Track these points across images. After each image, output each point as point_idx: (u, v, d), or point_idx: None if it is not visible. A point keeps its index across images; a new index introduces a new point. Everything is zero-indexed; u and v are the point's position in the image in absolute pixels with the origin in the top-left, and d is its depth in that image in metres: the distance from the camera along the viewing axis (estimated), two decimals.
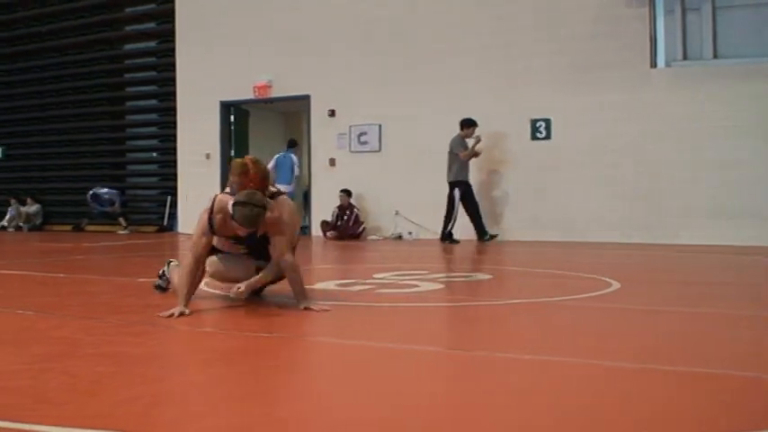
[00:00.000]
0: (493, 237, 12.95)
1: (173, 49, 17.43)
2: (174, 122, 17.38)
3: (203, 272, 5.07)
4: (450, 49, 14.06)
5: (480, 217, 13.01)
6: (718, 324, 4.56)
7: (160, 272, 5.69)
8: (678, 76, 12.53)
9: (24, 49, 20.14)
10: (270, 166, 14.32)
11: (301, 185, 17.11)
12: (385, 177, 14.76)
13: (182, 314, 4.54)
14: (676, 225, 12.21)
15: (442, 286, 6.31)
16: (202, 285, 5.50)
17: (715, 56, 12.32)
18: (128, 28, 19.14)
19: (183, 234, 15.89)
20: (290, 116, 19.79)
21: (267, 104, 17.48)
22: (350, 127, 15.19)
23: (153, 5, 18.34)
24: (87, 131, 19.22)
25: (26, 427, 2.38)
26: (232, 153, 16.62)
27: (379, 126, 14.89)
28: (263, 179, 5.10)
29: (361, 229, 14.53)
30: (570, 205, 12.94)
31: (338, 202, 14.71)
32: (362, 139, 15.10)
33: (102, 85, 19.10)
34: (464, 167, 13.00)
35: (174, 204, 17.37)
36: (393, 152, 14.72)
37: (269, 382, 3.14)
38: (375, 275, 7.20)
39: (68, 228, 18.70)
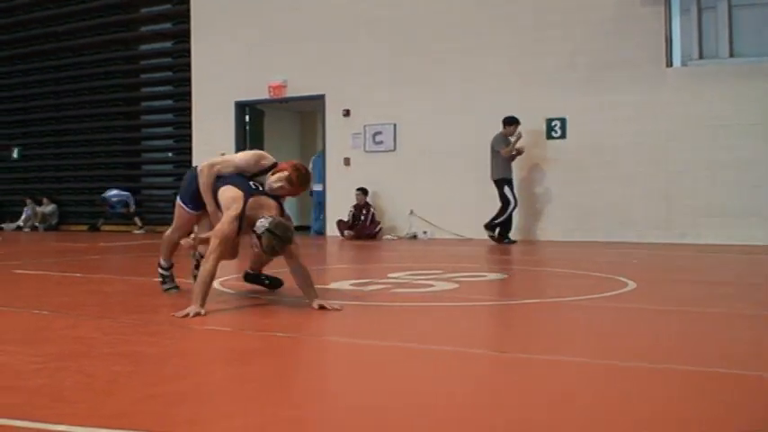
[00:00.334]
0: (513, 242, 12.63)
1: (188, 50, 17.47)
2: (190, 123, 17.41)
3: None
4: (466, 49, 14.03)
5: (510, 218, 12.74)
6: (732, 324, 4.53)
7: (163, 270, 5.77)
8: (694, 75, 12.46)
9: (41, 48, 20.21)
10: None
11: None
12: (400, 177, 14.75)
13: (197, 314, 4.55)
14: (692, 224, 12.15)
15: (456, 286, 6.30)
16: (216, 284, 5.51)
17: (731, 54, 12.25)
18: (143, 28, 19.19)
19: (197, 234, 15.87)
20: (305, 116, 19.80)
21: (282, 104, 17.48)
22: (365, 126, 15.19)
23: (168, 6, 18.38)
24: (103, 131, 19.29)
25: (43, 426, 2.39)
26: None
27: (394, 126, 14.88)
28: (304, 188, 5.43)
29: (377, 228, 14.52)
30: (585, 204, 12.88)
31: (353, 202, 14.70)
32: (377, 138, 15.09)
33: (118, 86, 19.16)
34: (507, 165, 12.76)
35: None
36: (408, 152, 14.70)
37: (285, 382, 3.14)
38: (390, 275, 7.19)
39: (84, 228, 18.76)
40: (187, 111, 17.50)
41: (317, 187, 15.47)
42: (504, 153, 12.67)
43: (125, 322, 4.51)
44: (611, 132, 12.72)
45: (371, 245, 12.98)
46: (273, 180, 5.21)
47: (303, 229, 16.60)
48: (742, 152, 11.85)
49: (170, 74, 18.75)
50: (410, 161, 14.62)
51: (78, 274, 7.63)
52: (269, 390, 2.99)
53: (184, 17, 17.55)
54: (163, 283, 5.76)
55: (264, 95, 16.23)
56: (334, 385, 3.17)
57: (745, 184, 11.84)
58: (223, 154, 6.02)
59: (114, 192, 17.90)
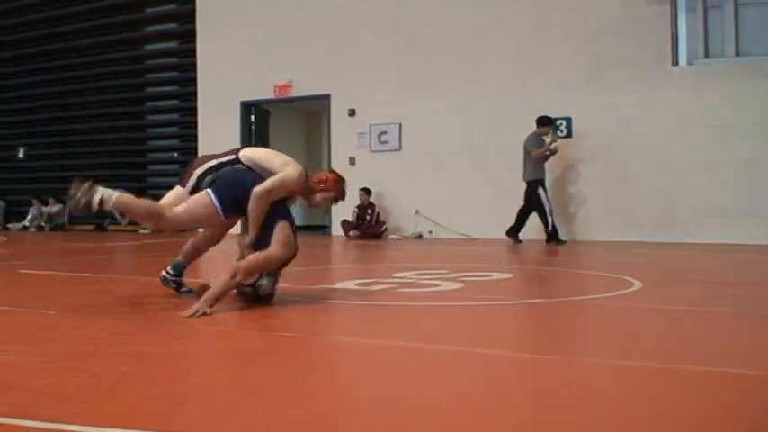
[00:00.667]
0: (519, 242, 12.54)
1: (193, 50, 17.49)
2: (195, 122, 17.44)
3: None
4: (470, 49, 14.04)
5: (526, 219, 12.58)
6: (736, 324, 4.52)
7: (168, 274, 5.65)
8: (700, 74, 12.45)
9: (47, 49, 20.27)
10: None
11: None
12: (405, 177, 14.76)
13: (203, 314, 4.55)
14: (697, 224, 12.14)
15: (462, 285, 6.29)
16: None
17: (737, 54, 12.24)
18: (149, 28, 19.25)
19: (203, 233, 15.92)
20: (311, 116, 19.82)
21: (287, 104, 17.51)
22: (370, 126, 15.20)
23: (174, 6, 18.42)
24: (108, 131, 19.33)
25: (48, 425, 2.39)
26: None
27: (399, 125, 14.89)
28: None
29: (382, 228, 14.53)
30: (589, 204, 12.89)
31: (357, 202, 14.71)
32: (383, 138, 15.10)
33: (124, 86, 19.20)
34: (539, 165, 12.58)
35: None
36: (413, 151, 14.71)
37: (290, 382, 3.14)
38: (395, 275, 7.19)
39: (90, 227, 18.80)
40: (192, 111, 17.53)
41: None
42: (534, 155, 12.48)
43: (131, 322, 4.51)
44: (616, 131, 12.72)
45: (376, 244, 12.99)
46: (319, 198, 5.24)
47: (318, 228, 16.70)
48: (747, 152, 11.84)
49: (175, 74, 18.80)
50: (415, 161, 14.63)
51: (85, 274, 7.64)
52: (274, 389, 2.99)
53: (190, 17, 17.58)
54: (178, 289, 5.62)
55: (270, 95, 16.26)
56: (338, 385, 3.16)
57: (750, 183, 11.82)
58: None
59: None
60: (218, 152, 5.44)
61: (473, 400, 2.83)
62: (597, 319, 4.82)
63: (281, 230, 4.89)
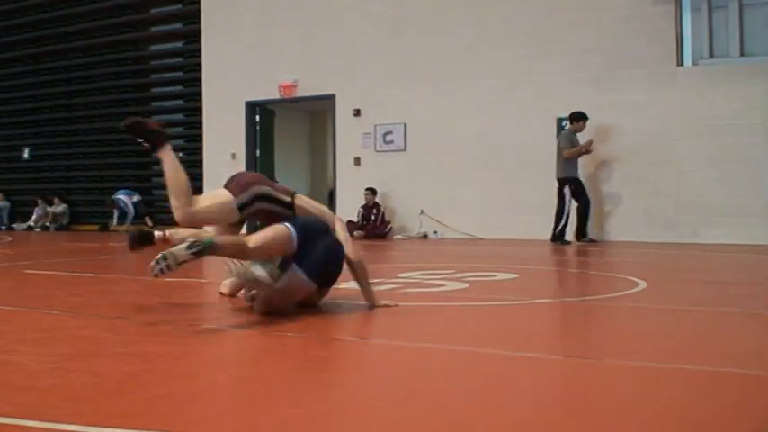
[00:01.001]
0: (592, 240, 12.35)
1: (198, 50, 17.51)
2: (200, 122, 17.45)
3: None
4: (477, 48, 14.03)
5: (587, 217, 12.46)
6: (741, 323, 4.52)
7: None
8: (705, 74, 12.43)
9: (52, 49, 20.30)
10: None
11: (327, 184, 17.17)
12: (410, 177, 14.76)
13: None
14: (703, 224, 12.11)
15: (467, 285, 6.29)
16: (227, 282, 5.50)
17: (742, 54, 12.22)
18: (154, 29, 19.27)
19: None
20: (316, 116, 19.83)
21: (292, 104, 17.51)
22: (375, 126, 15.20)
23: (179, 6, 18.43)
24: (113, 132, 19.30)
25: (54, 425, 2.39)
26: (257, 153, 16.69)
27: (404, 125, 14.88)
28: None
29: (388, 228, 14.53)
30: (594, 204, 12.85)
31: (362, 202, 14.71)
32: (388, 138, 15.10)
33: (129, 86, 19.22)
34: (572, 164, 12.46)
35: None
36: (418, 151, 14.71)
37: (294, 382, 3.14)
38: (400, 275, 7.19)
39: (95, 228, 18.82)
40: (197, 111, 17.54)
41: None
42: (567, 154, 12.37)
43: (136, 322, 4.51)
44: (621, 131, 12.69)
45: (382, 244, 12.99)
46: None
47: None
48: (753, 152, 11.81)
49: (180, 74, 18.81)
50: (420, 161, 14.63)
51: (89, 274, 7.65)
52: (279, 390, 2.99)
53: (195, 17, 17.59)
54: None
55: (275, 95, 16.26)
56: (343, 385, 3.17)
57: (757, 183, 11.79)
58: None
59: (122, 196, 17.89)
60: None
61: (474, 399, 2.82)
62: (600, 319, 4.81)
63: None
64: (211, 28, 17.26)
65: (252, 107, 16.86)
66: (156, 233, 4.37)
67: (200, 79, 17.46)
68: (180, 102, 18.82)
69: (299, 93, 16.12)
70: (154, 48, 19.46)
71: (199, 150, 17.44)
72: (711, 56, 12.44)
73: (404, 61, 14.80)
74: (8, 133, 21.24)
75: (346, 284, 5.93)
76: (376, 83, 15.14)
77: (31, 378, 3.11)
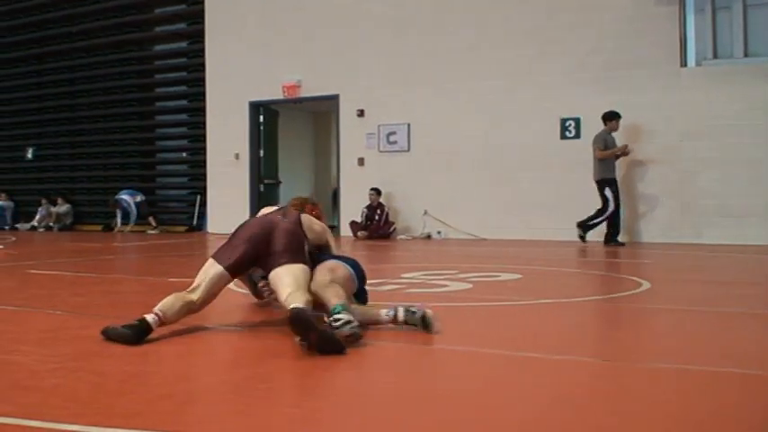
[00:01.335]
0: (622, 244, 11.96)
1: (202, 50, 17.51)
2: (204, 123, 17.45)
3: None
4: (479, 49, 14.02)
5: (618, 218, 12.15)
6: (742, 324, 4.52)
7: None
8: (708, 74, 12.41)
9: (56, 49, 20.32)
10: None
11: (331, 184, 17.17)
12: (414, 177, 14.75)
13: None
14: (707, 224, 12.10)
15: (470, 286, 6.30)
16: (231, 285, 5.51)
17: (746, 54, 12.20)
18: (158, 29, 19.27)
19: (212, 234, 15.99)
20: (320, 116, 19.83)
21: (296, 104, 17.51)
22: (379, 126, 15.19)
23: (183, 6, 18.44)
24: (117, 132, 19.37)
25: (57, 425, 2.40)
26: (261, 153, 16.69)
27: (408, 126, 14.88)
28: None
29: (391, 228, 14.53)
30: (597, 204, 12.83)
31: (366, 202, 14.71)
32: (391, 138, 15.09)
33: (133, 86, 19.23)
34: (609, 165, 12.20)
35: (203, 204, 17.44)
36: (422, 152, 14.70)
37: (297, 383, 3.15)
38: (404, 275, 7.20)
39: (99, 228, 18.83)
40: (201, 111, 17.54)
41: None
42: (599, 156, 12.13)
43: None
44: (625, 132, 12.66)
45: (385, 245, 12.99)
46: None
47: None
48: (757, 152, 11.80)
49: (184, 74, 18.81)
50: (424, 161, 14.62)
51: (92, 275, 7.67)
52: (281, 390, 3.00)
53: (199, 17, 17.59)
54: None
55: (279, 96, 16.26)
56: (344, 385, 3.17)
57: (760, 183, 11.78)
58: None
59: (125, 196, 17.90)
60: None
61: (478, 399, 2.83)
62: (601, 319, 4.81)
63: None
64: (215, 28, 17.27)
65: (255, 107, 16.86)
66: (149, 318, 4.03)
67: (203, 79, 17.46)
68: (184, 102, 18.83)
69: (303, 93, 16.12)
70: (158, 48, 19.47)
71: (203, 150, 17.44)
72: (715, 56, 12.42)
73: (405, 62, 14.80)
74: (12, 133, 21.26)
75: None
76: (378, 83, 15.14)
77: (34, 378, 3.12)
